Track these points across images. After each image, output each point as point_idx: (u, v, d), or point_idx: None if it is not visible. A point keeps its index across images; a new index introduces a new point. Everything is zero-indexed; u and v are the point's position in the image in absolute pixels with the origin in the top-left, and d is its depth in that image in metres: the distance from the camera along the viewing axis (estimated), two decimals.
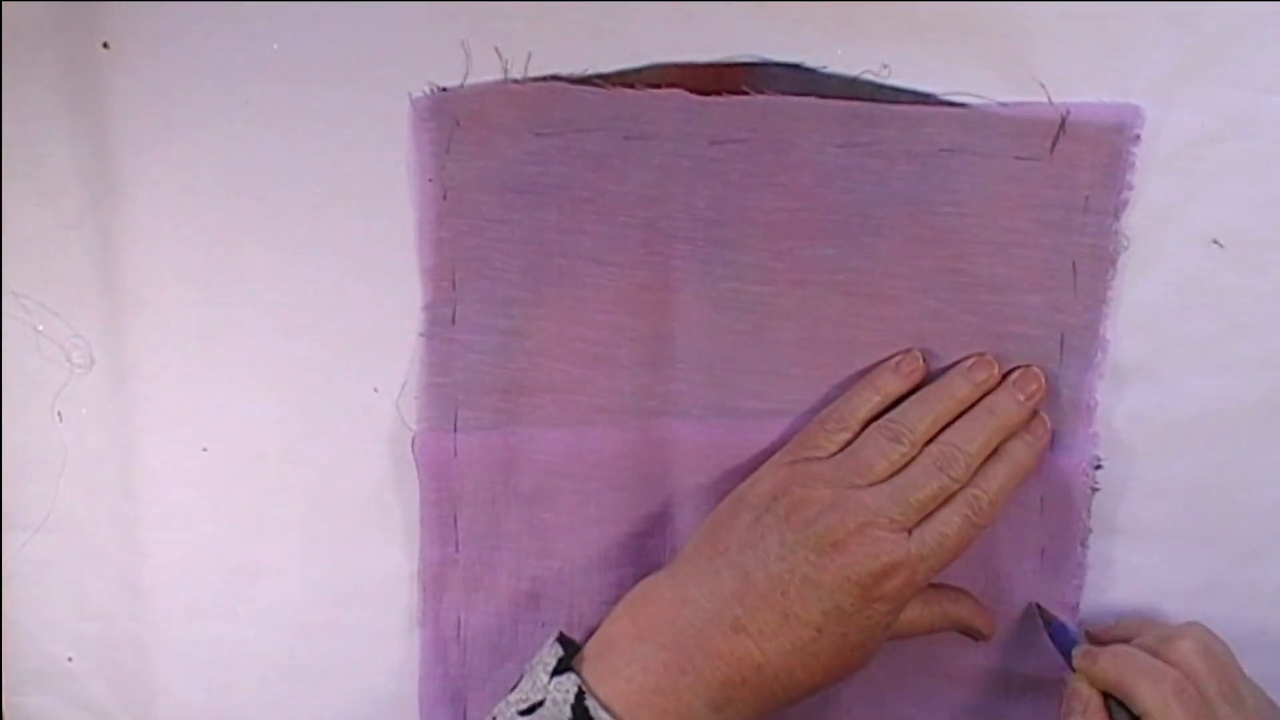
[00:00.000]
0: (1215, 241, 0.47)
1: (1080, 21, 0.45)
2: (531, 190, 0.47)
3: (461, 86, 0.47)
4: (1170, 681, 0.42)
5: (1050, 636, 0.48)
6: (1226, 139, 0.46)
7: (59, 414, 0.51)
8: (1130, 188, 0.46)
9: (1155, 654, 0.44)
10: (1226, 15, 0.45)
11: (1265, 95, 0.46)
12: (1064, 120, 0.45)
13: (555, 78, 0.46)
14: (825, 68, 0.46)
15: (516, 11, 0.46)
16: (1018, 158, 0.45)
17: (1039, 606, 0.49)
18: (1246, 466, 0.49)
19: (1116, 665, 0.44)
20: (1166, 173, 0.47)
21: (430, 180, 0.48)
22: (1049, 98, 0.46)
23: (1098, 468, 0.48)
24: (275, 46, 0.48)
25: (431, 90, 0.47)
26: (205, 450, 0.51)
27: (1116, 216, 0.46)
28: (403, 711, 0.53)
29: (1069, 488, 0.48)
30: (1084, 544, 0.49)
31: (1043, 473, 0.48)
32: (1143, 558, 0.50)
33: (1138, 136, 0.46)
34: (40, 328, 0.51)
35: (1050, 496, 0.48)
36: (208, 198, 0.49)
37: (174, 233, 0.49)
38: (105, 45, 0.48)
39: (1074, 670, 0.46)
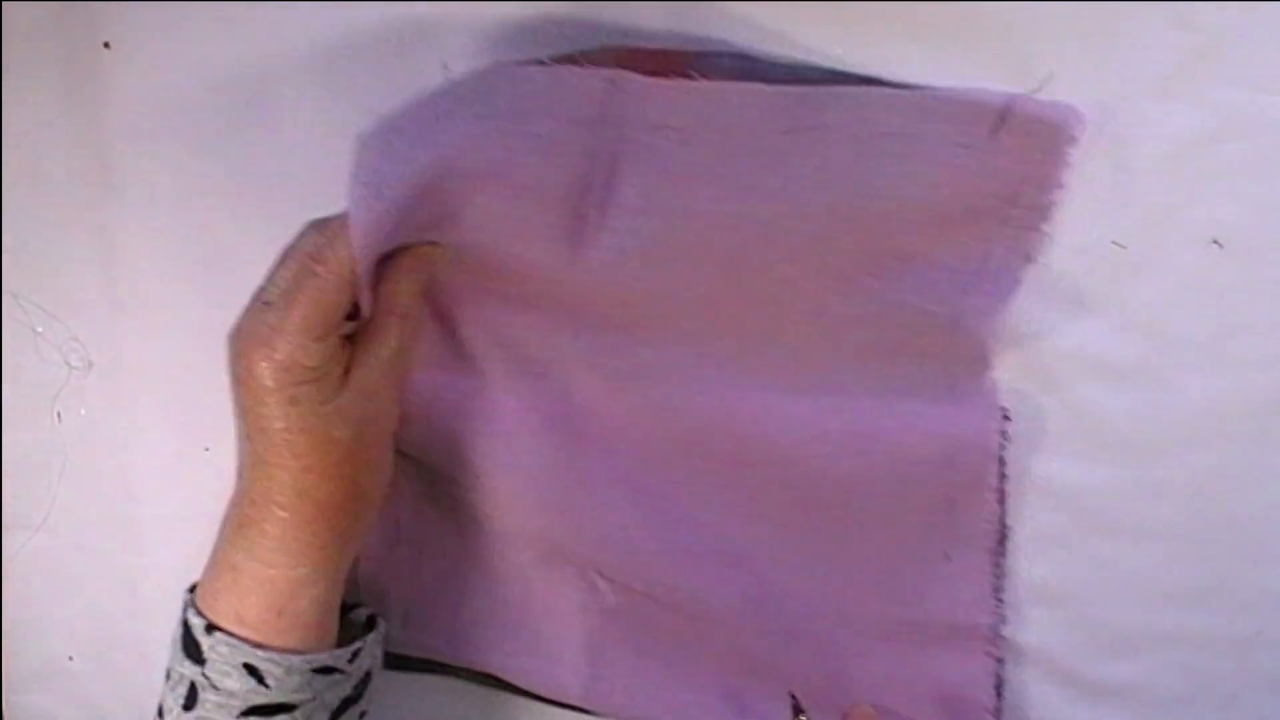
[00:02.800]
0: (1215, 241, 0.47)
1: (1080, 21, 0.45)
2: (466, 175, 0.45)
3: None
4: None
5: None
6: (1226, 139, 0.46)
7: (58, 414, 0.51)
8: (1061, 188, 0.46)
9: None
10: (1226, 15, 0.45)
11: (1265, 95, 0.46)
12: (1005, 110, 0.45)
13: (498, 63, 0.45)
14: (771, 57, 0.45)
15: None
16: (957, 144, 0.45)
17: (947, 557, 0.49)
18: (1246, 466, 0.49)
19: None
20: (1166, 173, 0.47)
21: None
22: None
23: (1006, 419, 0.48)
24: (275, 46, 0.48)
25: None
26: (206, 450, 0.51)
27: (1044, 215, 0.46)
28: (408, 711, 0.53)
29: (976, 440, 0.48)
30: (1002, 501, 0.49)
31: (945, 427, 0.48)
32: (1143, 558, 0.50)
33: (1075, 138, 0.45)
34: (39, 329, 0.51)
35: (957, 450, 0.48)
36: (208, 198, 0.49)
37: (174, 233, 0.49)
38: (105, 45, 0.48)
39: None
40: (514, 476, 0.48)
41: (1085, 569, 0.47)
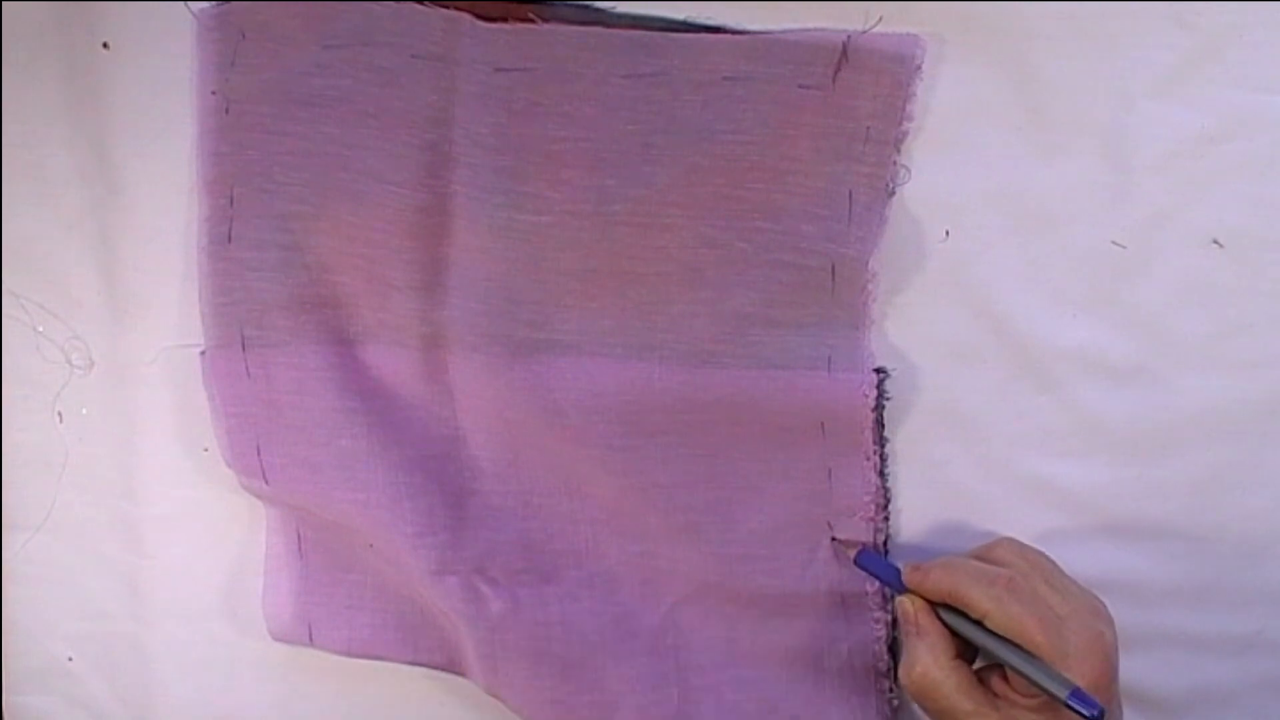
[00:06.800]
0: (1215, 241, 0.47)
1: (1080, 21, 0.45)
2: (316, 103, 0.46)
3: None
4: (1003, 580, 0.44)
5: (859, 564, 0.48)
6: (1226, 139, 0.46)
7: (59, 414, 0.51)
8: (911, 119, 0.46)
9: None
10: (1226, 15, 0.45)
11: (1265, 95, 0.46)
12: (845, 48, 0.45)
13: None
14: (614, 7, 0.46)
15: None
16: (801, 86, 0.45)
17: (837, 540, 0.49)
18: (1246, 466, 0.49)
19: (947, 575, 0.45)
20: (1166, 173, 0.47)
21: (213, 93, 0.47)
22: None
23: (883, 379, 0.48)
24: None
25: (216, 1, 0.46)
26: (205, 450, 0.51)
27: (896, 148, 0.46)
28: (408, 711, 0.53)
29: (848, 406, 0.48)
30: (880, 471, 0.49)
31: (819, 397, 0.48)
32: (1143, 558, 0.50)
33: (919, 68, 0.45)
34: (40, 329, 0.51)
35: (830, 419, 0.48)
36: None
37: (174, 233, 0.49)
38: (105, 45, 0.48)
39: (903, 590, 0.46)
40: (384, 466, 0.48)
41: (1085, 569, 0.47)
